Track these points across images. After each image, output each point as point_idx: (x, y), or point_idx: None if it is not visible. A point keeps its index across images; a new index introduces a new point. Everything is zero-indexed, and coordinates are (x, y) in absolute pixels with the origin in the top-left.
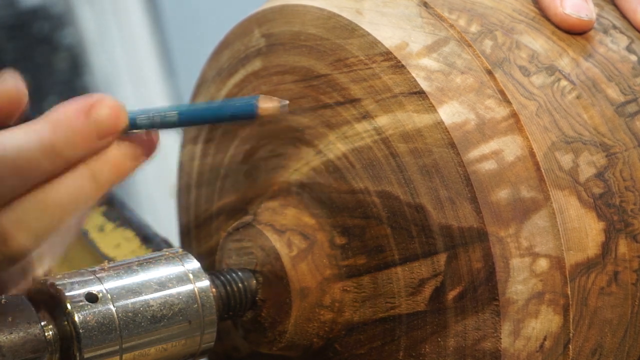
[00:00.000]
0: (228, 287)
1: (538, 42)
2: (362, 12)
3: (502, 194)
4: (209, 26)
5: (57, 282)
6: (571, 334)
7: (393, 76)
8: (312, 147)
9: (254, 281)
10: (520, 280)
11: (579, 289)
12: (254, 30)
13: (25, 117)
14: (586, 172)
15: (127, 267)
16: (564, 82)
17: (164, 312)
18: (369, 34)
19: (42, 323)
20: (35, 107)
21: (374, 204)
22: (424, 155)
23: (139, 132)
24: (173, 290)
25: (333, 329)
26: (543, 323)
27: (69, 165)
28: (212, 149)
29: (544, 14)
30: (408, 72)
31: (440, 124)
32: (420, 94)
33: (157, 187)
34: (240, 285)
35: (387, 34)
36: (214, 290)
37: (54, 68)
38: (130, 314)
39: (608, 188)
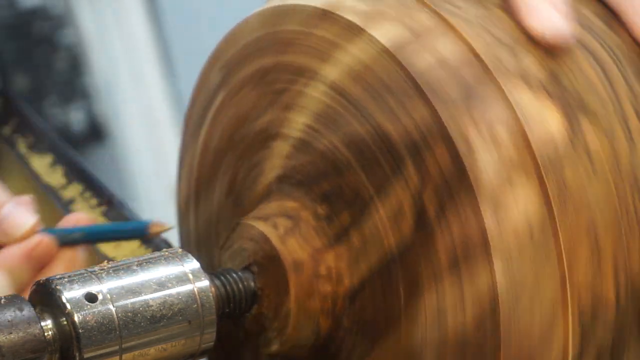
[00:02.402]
0: (228, 287)
1: None
2: None
3: (451, 88)
4: (209, 26)
5: (57, 282)
6: (555, 210)
7: (330, 28)
8: (279, 137)
9: (252, 282)
10: (489, 161)
11: (551, 164)
12: (212, 71)
13: (25, 117)
14: (528, 62)
15: (127, 267)
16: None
17: (164, 312)
18: (302, 7)
19: (42, 323)
20: (35, 107)
21: (342, 153)
22: (374, 82)
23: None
24: (173, 290)
25: (336, 302)
26: (523, 197)
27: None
28: (202, 205)
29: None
30: (341, 16)
31: (381, 48)
32: (355, 29)
33: (157, 187)
34: (239, 285)
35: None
36: (213, 290)
37: (54, 68)
38: (129, 314)
39: (553, 74)
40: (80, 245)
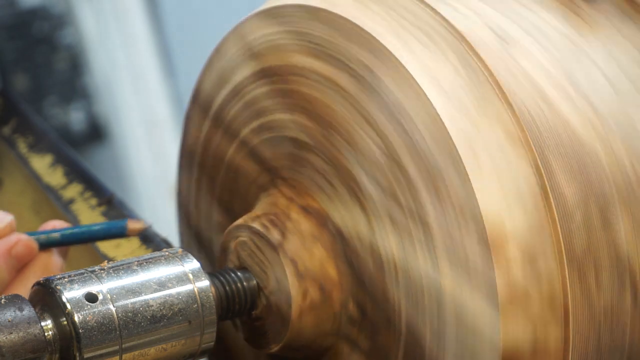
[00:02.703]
0: (228, 287)
1: None
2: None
3: None
4: (209, 26)
5: (57, 282)
6: None
7: None
8: (360, 207)
9: (252, 282)
10: None
11: None
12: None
13: (25, 117)
14: None
15: (127, 267)
16: None
17: (164, 312)
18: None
19: (42, 323)
20: (35, 107)
21: (399, 317)
22: None
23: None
24: (173, 290)
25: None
26: None
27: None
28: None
29: None
30: None
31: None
32: None
33: (157, 187)
34: (240, 285)
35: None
36: (213, 290)
37: (54, 68)
38: (130, 314)
39: None
40: (59, 247)
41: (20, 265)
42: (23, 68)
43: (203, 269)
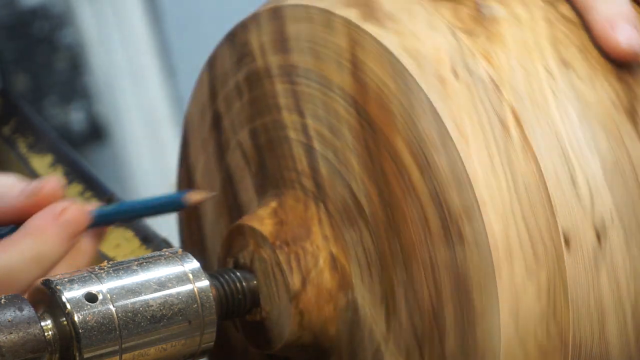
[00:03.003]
0: (227, 287)
1: None
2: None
3: None
4: (209, 26)
5: (57, 282)
6: None
7: None
8: (385, 314)
9: (253, 282)
10: None
11: None
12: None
13: (25, 117)
14: None
15: (127, 267)
16: None
17: (164, 312)
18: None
19: (42, 323)
20: (35, 107)
21: None
22: None
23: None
24: (173, 290)
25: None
26: None
27: (55, 264)
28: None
29: (593, 36)
30: None
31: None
32: None
33: (157, 187)
34: (240, 285)
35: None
36: (213, 290)
37: (54, 68)
38: (129, 314)
39: None
40: (115, 223)
41: (73, 237)
42: (23, 68)
43: (203, 269)
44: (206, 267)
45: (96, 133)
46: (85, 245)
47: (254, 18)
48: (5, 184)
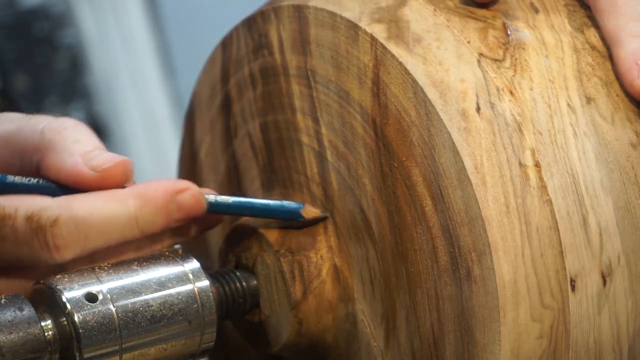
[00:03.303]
0: (227, 287)
1: None
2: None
3: None
4: (209, 26)
5: (57, 282)
6: None
7: None
8: (385, 330)
9: (253, 282)
10: None
11: None
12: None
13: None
14: None
15: (127, 267)
16: None
17: (164, 312)
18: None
19: (42, 323)
20: (35, 107)
21: None
22: None
23: None
24: (173, 290)
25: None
26: None
27: (142, 238)
28: None
29: (619, 79)
30: None
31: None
32: None
33: None
34: (240, 285)
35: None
36: (213, 290)
37: (54, 68)
38: (130, 314)
39: None
40: (229, 214)
41: (180, 221)
42: (23, 68)
43: (203, 269)
44: (206, 251)
45: (96, 133)
46: (192, 230)
47: (275, 10)
48: (78, 139)
